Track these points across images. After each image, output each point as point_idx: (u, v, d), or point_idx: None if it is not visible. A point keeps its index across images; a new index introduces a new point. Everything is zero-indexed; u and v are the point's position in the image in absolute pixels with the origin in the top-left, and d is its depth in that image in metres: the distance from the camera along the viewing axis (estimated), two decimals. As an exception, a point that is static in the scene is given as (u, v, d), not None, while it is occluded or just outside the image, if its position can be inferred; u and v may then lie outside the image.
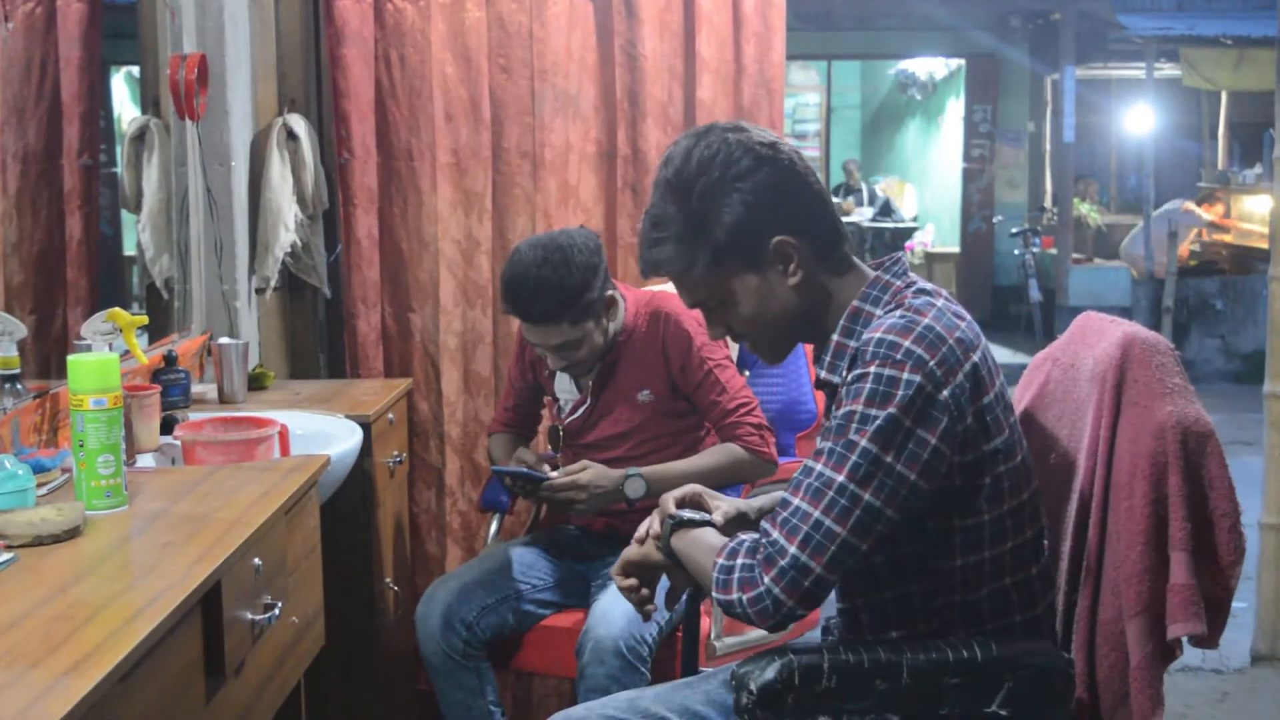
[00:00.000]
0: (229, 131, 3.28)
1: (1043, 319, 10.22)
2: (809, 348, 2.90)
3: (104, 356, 2.01)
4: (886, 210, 12.31)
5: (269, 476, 2.17)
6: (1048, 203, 11.72)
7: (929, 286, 1.76)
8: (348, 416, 2.88)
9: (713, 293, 1.77)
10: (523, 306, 2.68)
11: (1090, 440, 1.81)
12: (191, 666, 1.68)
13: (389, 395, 3.17)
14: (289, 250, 3.41)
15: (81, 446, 1.94)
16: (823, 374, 1.78)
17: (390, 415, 3.15)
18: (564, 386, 2.92)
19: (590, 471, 2.72)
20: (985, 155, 12.11)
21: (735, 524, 1.85)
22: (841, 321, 1.76)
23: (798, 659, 1.65)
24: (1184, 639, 1.68)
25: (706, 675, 1.99)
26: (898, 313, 1.68)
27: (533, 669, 2.95)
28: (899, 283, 1.76)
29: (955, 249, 12.36)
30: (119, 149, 3.18)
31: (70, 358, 1.97)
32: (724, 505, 1.88)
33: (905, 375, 1.61)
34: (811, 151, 13.69)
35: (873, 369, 1.62)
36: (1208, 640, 1.69)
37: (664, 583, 1.90)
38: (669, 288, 3.07)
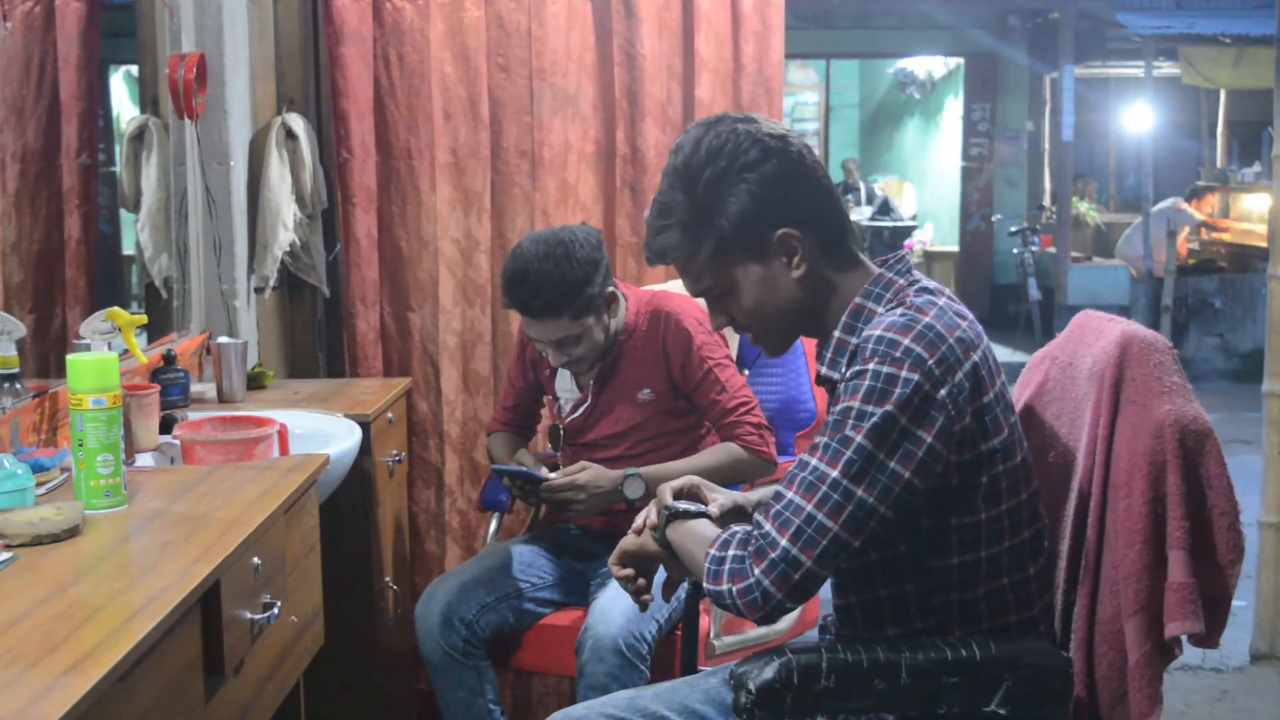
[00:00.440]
0: (228, 131, 3.28)
1: (1041, 317, 10.22)
2: (809, 347, 2.91)
3: (103, 356, 2.01)
4: (885, 209, 12.31)
5: (268, 476, 2.17)
6: (1046, 201, 11.73)
7: (932, 285, 1.76)
8: (347, 416, 2.88)
9: (716, 282, 1.77)
10: (524, 300, 2.68)
11: (1089, 439, 1.81)
12: (191, 666, 1.68)
13: (388, 394, 3.17)
14: (288, 249, 3.41)
15: (80, 446, 1.94)
16: (823, 370, 1.78)
17: (389, 414, 3.15)
18: (564, 385, 2.92)
19: (589, 472, 2.72)
20: (984, 154, 12.11)
21: (731, 516, 1.85)
22: (843, 318, 1.76)
23: (796, 658, 1.65)
24: (1183, 638, 1.68)
25: (706, 674, 1.99)
26: (899, 310, 1.69)
27: (532, 668, 2.95)
28: (902, 280, 1.76)
29: (954, 248, 12.37)
30: (118, 148, 3.18)
31: (69, 357, 1.98)
32: (720, 498, 1.89)
33: (904, 373, 1.61)
34: (810, 150, 13.65)
35: (871, 366, 1.63)
36: (1207, 639, 1.69)
37: (661, 573, 1.90)
38: (670, 287, 3.10)
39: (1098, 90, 12.03)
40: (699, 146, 1.73)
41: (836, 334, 1.77)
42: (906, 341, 1.63)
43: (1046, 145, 12.01)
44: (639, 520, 1.89)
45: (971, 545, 1.71)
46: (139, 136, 3.15)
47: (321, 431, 2.76)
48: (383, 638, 3.15)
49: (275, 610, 1.94)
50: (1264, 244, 8.27)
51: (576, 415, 2.88)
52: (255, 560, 1.89)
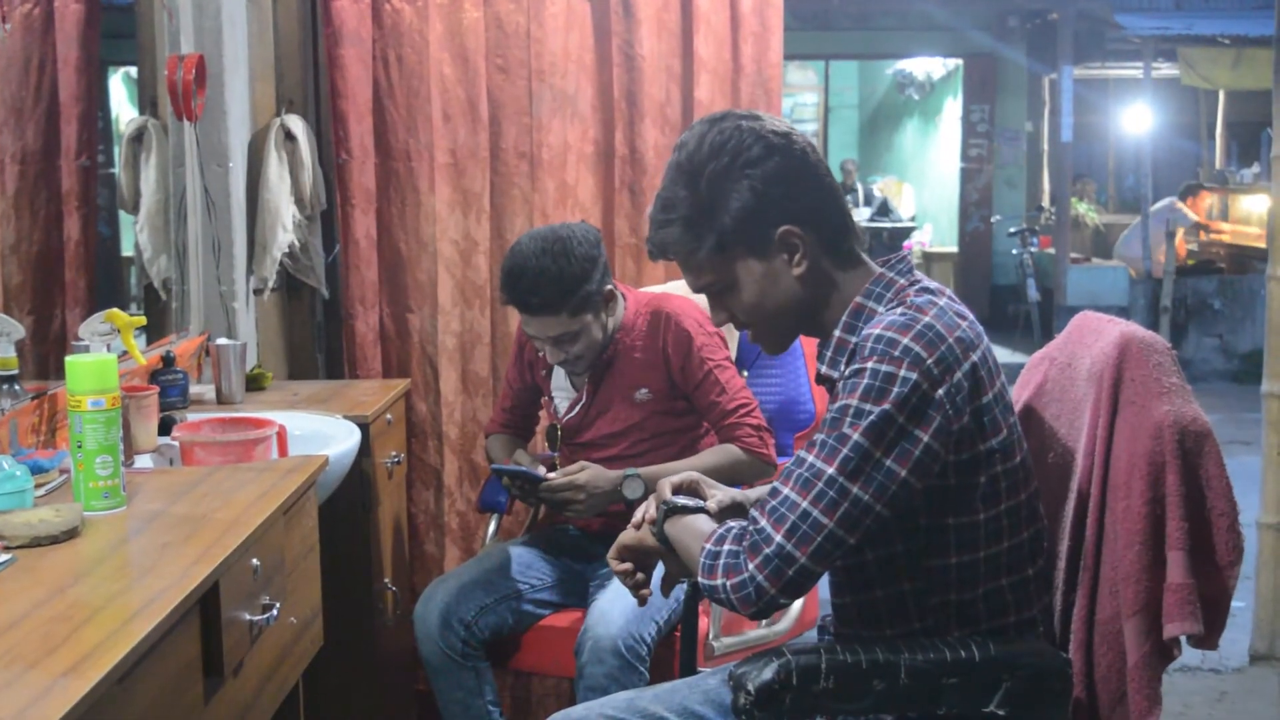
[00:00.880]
0: (227, 132, 3.28)
1: (1040, 318, 10.22)
2: (809, 348, 2.91)
3: (102, 357, 2.00)
4: (884, 210, 12.31)
5: (267, 477, 2.17)
6: (1045, 202, 11.73)
7: (933, 285, 1.76)
8: (346, 417, 2.88)
9: (717, 277, 1.77)
10: (522, 296, 2.68)
11: (1088, 439, 1.81)
12: (190, 667, 1.68)
13: (387, 396, 3.17)
14: (287, 251, 3.41)
15: (79, 447, 1.94)
16: (823, 369, 1.79)
17: (388, 416, 3.15)
18: (560, 385, 2.92)
19: (588, 472, 2.72)
20: (983, 155, 12.12)
21: (729, 513, 1.85)
22: (844, 317, 1.76)
23: (795, 659, 1.65)
24: (1182, 639, 1.68)
25: (705, 675, 1.99)
26: (899, 310, 1.69)
27: (531, 669, 2.95)
28: (903, 280, 1.76)
29: (953, 249, 12.37)
30: (117, 150, 3.18)
31: (68, 359, 1.97)
32: (719, 494, 1.89)
33: (902, 372, 1.61)
34: (809, 151, 13.65)
35: (870, 364, 1.63)
36: (1206, 640, 1.69)
37: (660, 568, 1.90)
38: (670, 288, 3.11)
39: (1097, 91, 12.03)
40: (703, 142, 1.73)
41: (837, 333, 1.77)
42: (906, 340, 1.63)
43: (1045, 146, 12.02)
44: (638, 514, 1.89)
45: (970, 545, 1.71)
46: (138, 138, 3.15)
47: (320, 433, 2.76)
48: (382, 639, 3.15)
49: (274, 611, 1.94)
50: (1262, 245, 8.28)
51: (573, 414, 2.88)
52: (254, 561, 1.89)
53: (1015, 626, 1.75)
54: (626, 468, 2.75)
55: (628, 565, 1.89)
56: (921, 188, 13.35)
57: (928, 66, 13.10)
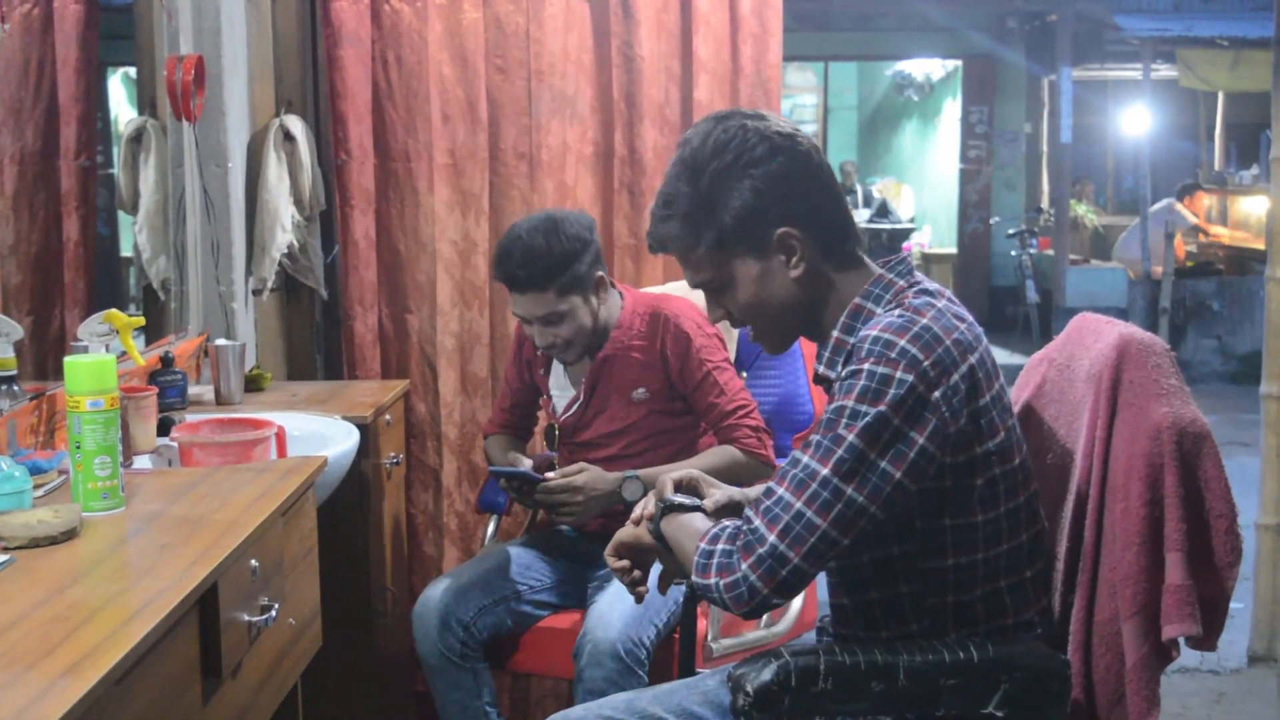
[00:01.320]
0: (226, 132, 3.28)
1: (1039, 320, 10.22)
2: (808, 350, 2.91)
3: (101, 358, 2.00)
4: (883, 211, 12.32)
5: (266, 478, 2.16)
6: (1044, 204, 11.73)
7: (932, 287, 1.76)
8: (345, 418, 2.88)
9: (715, 275, 1.77)
10: (510, 270, 2.70)
11: (1086, 441, 1.81)
12: (188, 668, 1.68)
13: (386, 396, 3.17)
14: (286, 251, 3.41)
15: (78, 448, 1.94)
16: (821, 369, 1.79)
17: (387, 416, 3.15)
18: (559, 384, 2.93)
19: (587, 474, 2.72)
20: (982, 156, 12.11)
21: (726, 512, 1.85)
22: (842, 318, 1.77)
23: (794, 660, 1.65)
24: (1181, 640, 1.68)
25: (704, 676, 1.99)
26: (897, 311, 1.69)
27: (530, 670, 2.95)
28: (902, 282, 1.76)
29: (952, 250, 12.37)
30: (116, 150, 3.18)
31: (67, 359, 1.97)
32: (718, 493, 1.89)
33: (899, 374, 1.61)
34: (808, 152, 13.66)
35: (866, 366, 1.63)
36: (1205, 642, 1.69)
37: (658, 566, 1.91)
38: (669, 289, 3.11)
39: (1095, 92, 12.03)
40: (707, 139, 1.73)
41: (835, 333, 1.77)
42: (903, 343, 1.63)
43: (1044, 148, 12.01)
44: (637, 511, 1.90)
45: (967, 548, 1.71)
46: (137, 138, 3.15)
47: (319, 433, 2.76)
48: (380, 640, 3.15)
49: (273, 612, 1.94)
50: (1261, 246, 8.28)
51: (571, 413, 2.88)
52: (253, 562, 1.89)
53: (1013, 629, 1.75)
54: (625, 468, 2.75)
55: (625, 562, 1.89)
56: (920, 189, 13.35)
57: (927, 68, 13.11)
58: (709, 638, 2.74)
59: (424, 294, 3.50)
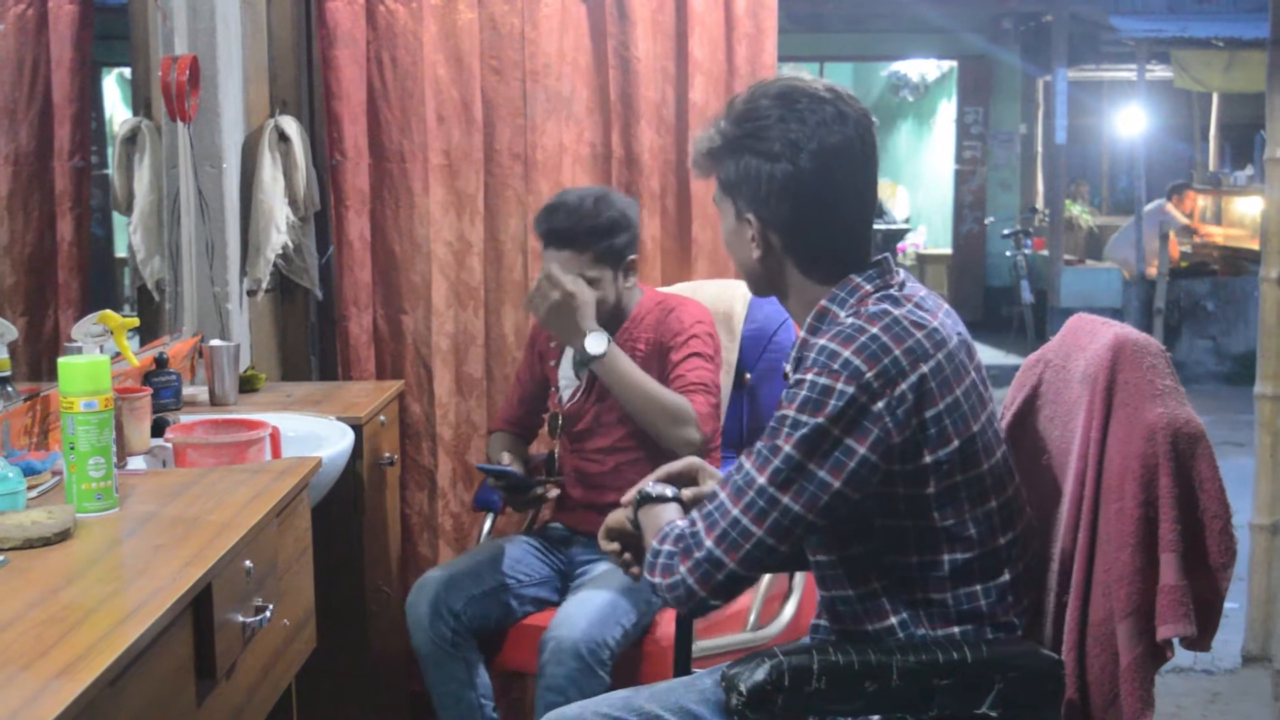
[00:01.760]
0: (220, 133, 3.27)
1: (1034, 320, 10.23)
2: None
3: (95, 359, 2.00)
4: (879, 212, 12.32)
5: (260, 479, 2.16)
6: (1039, 204, 11.74)
7: (898, 293, 1.75)
8: (339, 419, 2.88)
9: (719, 201, 1.85)
10: (555, 224, 2.79)
11: (1081, 442, 1.81)
12: (182, 669, 1.67)
13: (381, 397, 3.16)
14: (280, 252, 3.41)
15: (72, 449, 1.94)
16: (786, 367, 1.83)
17: (382, 417, 3.14)
18: (566, 374, 2.95)
19: (570, 280, 2.73)
20: (977, 157, 12.12)
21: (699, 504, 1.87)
22: (809, 319, 1.79)
23: (787, 660, 1.65)
24: (1175, 640, 1.69)
25: (700, 675, 2.00)
26: (849, 320, 1.70)
27: (516, 668, 2.95)
28: (869, 286, 1.76)
29: (947, 250, 12.38)
30: (110, 151, 3.18)
31: (61, 360, 1.97)
32: (710, 483, 1.92)
33: (839, 385, 1.63)
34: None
35: (809, 376, 1.65)
36: (1199, 642, 1.70)
37: None
38: (680, 290, 3.12)
39: (1090, 93, 12.05)
40: (755, 104, 1.76)
41: (802, 333, 1.80)
42: (847, 354, 1.64)
43: (1039, 148, 12.02)
44: (629, 494, 1.92)
45: (930, 548, 1.72)
46: (131, 139, 3.14)
47: (314, 434, 2.76)
48: (375, 641, 3.15)
49: (267, 613, 1.94)
50: (1255, 247, 8.29)
51: (574, 401, 2.90)
52: (247, 563, 1.89)
53: (991, 631, 1.75)
54: (622, 458, 2.80)
55: (615, 545, 1.94)
56: (916, 190, 13.36)
57: (922, 68, 13.11)
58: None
59: (419, 295, 3.49)
